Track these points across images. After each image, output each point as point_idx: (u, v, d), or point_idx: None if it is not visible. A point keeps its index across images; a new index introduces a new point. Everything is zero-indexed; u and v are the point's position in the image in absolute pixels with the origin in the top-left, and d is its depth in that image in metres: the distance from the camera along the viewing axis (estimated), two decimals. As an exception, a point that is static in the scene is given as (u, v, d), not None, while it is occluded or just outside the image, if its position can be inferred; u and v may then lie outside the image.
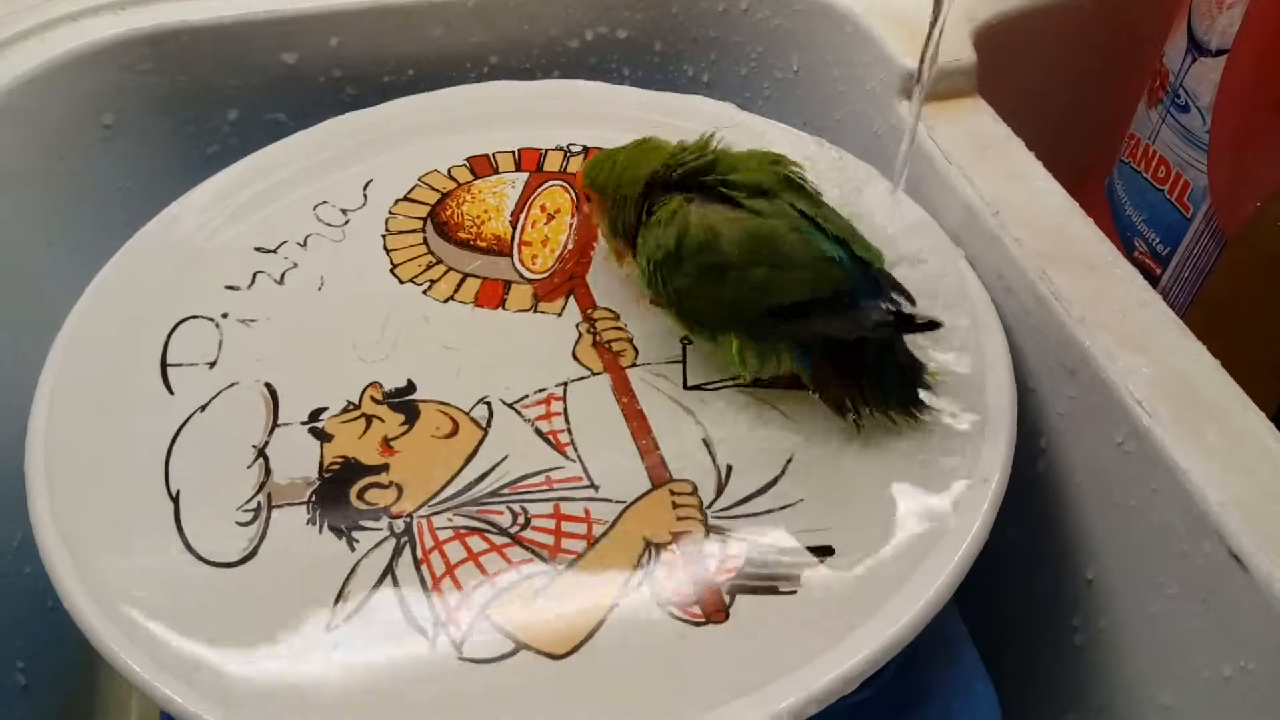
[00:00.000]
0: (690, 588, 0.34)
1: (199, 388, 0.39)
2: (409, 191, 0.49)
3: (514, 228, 0.47)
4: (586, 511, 0.36)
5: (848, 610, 0.33)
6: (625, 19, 0.59)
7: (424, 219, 0.47)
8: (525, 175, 0.50)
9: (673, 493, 0.36)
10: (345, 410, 0.39)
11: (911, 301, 0.38)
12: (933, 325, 0.37)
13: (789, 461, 0.37)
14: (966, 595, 0.41)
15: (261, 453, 0.37)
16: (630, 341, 0.42)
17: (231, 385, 0.40)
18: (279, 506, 0.36)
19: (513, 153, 0.51)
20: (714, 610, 0.33)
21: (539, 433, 0.38)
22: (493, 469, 0.37)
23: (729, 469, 0.37)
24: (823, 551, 0.35)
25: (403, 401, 0.39)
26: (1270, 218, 0.46)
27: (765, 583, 0.34)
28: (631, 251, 0.41)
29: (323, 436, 0.38)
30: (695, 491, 0.36)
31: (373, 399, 0.39)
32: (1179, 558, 0.35)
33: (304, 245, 0.46)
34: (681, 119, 0.50)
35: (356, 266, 0.45)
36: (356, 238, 0.46)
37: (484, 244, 0.46)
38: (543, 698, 0.31)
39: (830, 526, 0.35)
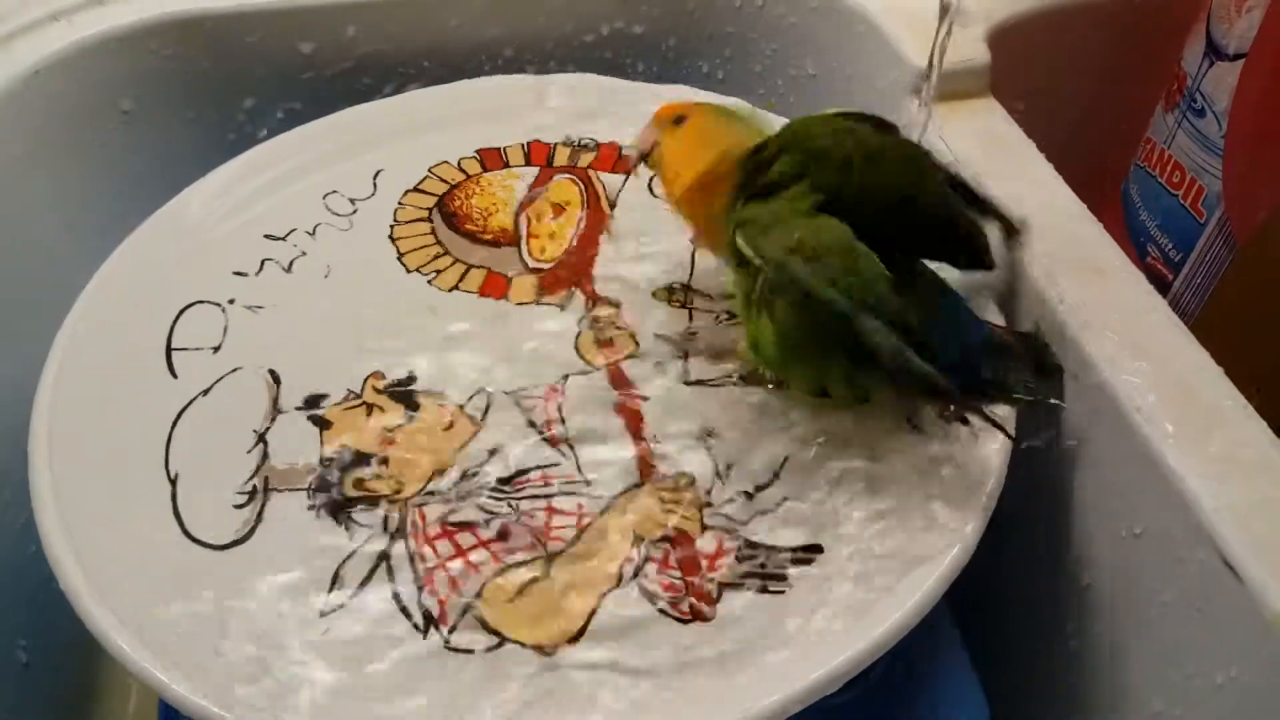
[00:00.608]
0: (680, 584, 0.34)
1: (203, 372, 0.40)
2: (419, 182, 0.49)
3: (521, 220, 0.47)
4: (579, 505, 0.36)
5: (835, 610, 0.33)
6: (641, 14, 0.59)
7: (432, 209, 0.48)
8: (535, 169, 0.50)
9: (665, 489, 0.37)
10: (346, 398, 0.39)
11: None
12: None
13: (784, 461, 0.37)
14: (963, 600, 0.41)
15: (262, 438, 0.38)
16: (632, 336, 0.42)
17: (235, 370, 0.40)
18: (277, 491, 0.36)
19: (523, 146, 0.51)
20: (703, 606, 0.33)
21: (536, 426, 0.39)
22: (488, 460, 0.37)
23: (724, 466, 0.37)
24: (812, 550, 0.35)
25: (403, 391, 0.40)
26: (1282, 224, 0.45)
27: (754, 580, 0.34)
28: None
29: (322, 424, 0.38)
30: (688, 488, 0.37)
31: (374, 388, 0.40)
32: (1174, 564, 0.35)
33: (313, 234, 0.46)
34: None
35: (364, 256, 0.45)
36: (365, 227, 0.47)
37: (491, 236, 0.46)
38: (530, 690, 0.31)
39: (821, 526, 0.35)
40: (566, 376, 0.40)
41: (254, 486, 0.36)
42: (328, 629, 0.32)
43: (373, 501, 0.36)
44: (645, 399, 0.40)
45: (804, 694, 0.31)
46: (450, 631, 0.33)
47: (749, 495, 0.36)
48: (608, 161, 0.50)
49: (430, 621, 0.33)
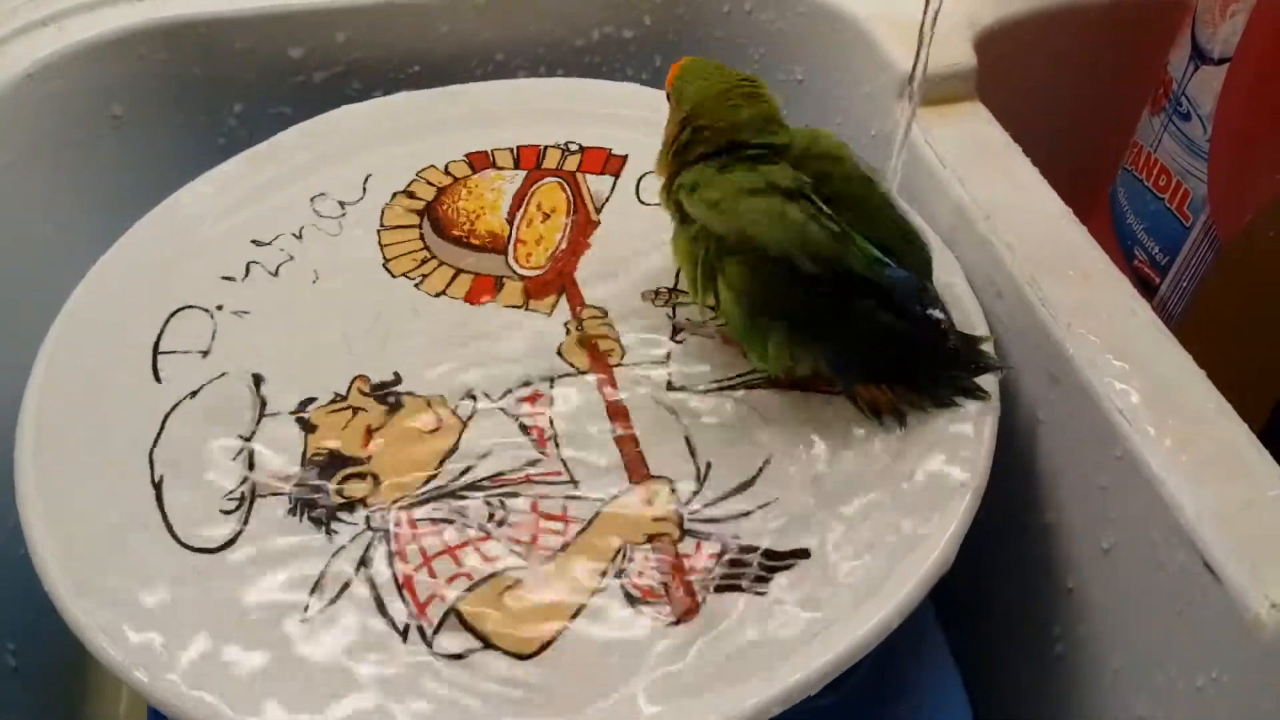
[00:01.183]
0: (663, 586, 0.34)
1: (190, 376, 0.40)
2: (407, 186, 0.49)
3: (509, 225, 0.47)
4: (564, 508, 0.36)
5: (818, 612, 0.33)
6: (630, 19, 0.59)
7: (420, 214, 0.48)
8: (523, 173, 0.50)
9: (650, 491, 0.37)
10: (332, 402, 0.39)
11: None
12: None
13: (766, 462, 0.37)
14: (948, 603, 0.41)
15: (247, 442, 0.38)
16: (617, 341, 0.42)
17: (222, 375, 0.40)
18: (261, 495, 0.36)
19: (511, 150, 0.51)
20: (686, 609, 0.33)
21: (522, 429, 0.39)
22: (474, 463, 0.38)
23: (708, 468, 0.37)
24: (796, 553, 0.35)
25: (388, 394, 0.40)
26: (1265, 228, 0.46)
27: (737, 583, 0.34)
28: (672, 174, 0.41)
29: (308, 427, 0.39)
30: (672, 490, 0.37)
31: (360, 391, 0.40)
32: (1156, 568, 0.35)
33: (299, 237, 0.46)
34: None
35: (351, 259, 0.45)
36: (352, 231, 0.47)
37: (478, 240, 0.47)
38: (511, 693, 0.31)
39: (805, 528, 0.36)
40: (553, 380, 0.40)
41: (239, 491, 0.36)
42: (310, 633, 0.33)
43: (357, 504, 0.36)
44: (630, 402, 0.40)
45: (784, 696, 0.31)
46: (433, 634, 0.33)
47: (732, 497, 0.36)
48: (595, 165, 0.50)
49: (411, 624, 0.33)
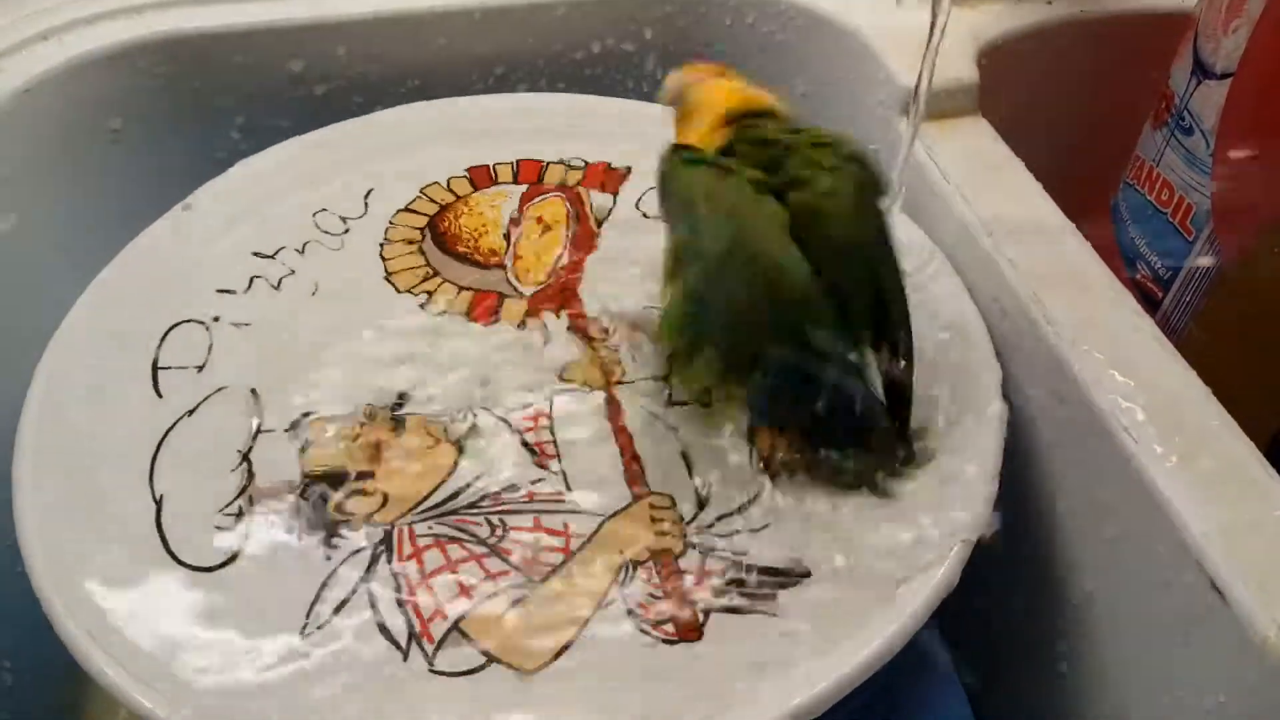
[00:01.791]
0: (665, 605, 0.34)
1: (188, 391, 0.40)
2: (410, 202, 0.49)
3: (509, 241, 0.47)
4: (566, 525, 0.36)
5: (821, 633, 0.33)
6: (631, 32, 0.59)
7: (422, 230, 0.47)
8: (524, 188, 0.50)
9: (652, 508, 0.36)
10: (332, 418, 0.39)
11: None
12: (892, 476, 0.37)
13: (770, 481, 0.37)
14: (952, 621, 0.40)
15: (246, 457, 0.38)
16: (618, 356, 0.42)
17: (220, 389, 0.40)
18: (261, 511, 0.36)
19: (512, 165, 0.51)
20: (688, 629, 0.33)
21: (524, 445, 0.38)
22: (475, 480, 0.37)
23: (709, 485, 0.37)
24: (798, 573, 0.35)
25: (390, 410, 0.39)
26: (1270, 243, 0.45)
27: (740, 602, 0.34)
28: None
29: (308, 442, 0.38)
30: (674, 507, 0.36)
31: (361, 408, 0.40)
32: (1162, 587, 0.35)
33: (302, 252, 0.46)
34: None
35: (353, 275, 0.45)
36: (354, 246, 0.46)
37: (480, 256, 0.46)
38: (513, 713, 0.31)
39: (807, 547, 0.35)
40: (553, 397, 0.40)
41: (238, 507, 0.36)
42: (309, 651, 0.32)
43: (357, 521, 0.36)
44: (631, 419, 0.39)
45: (788, 718, 0.31)
46: (435, 651, 0.32)
47: (734, 515, 0.36)
48: (596, 180, 0.50)
49: (413, 642, 0.33)
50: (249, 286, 0.44)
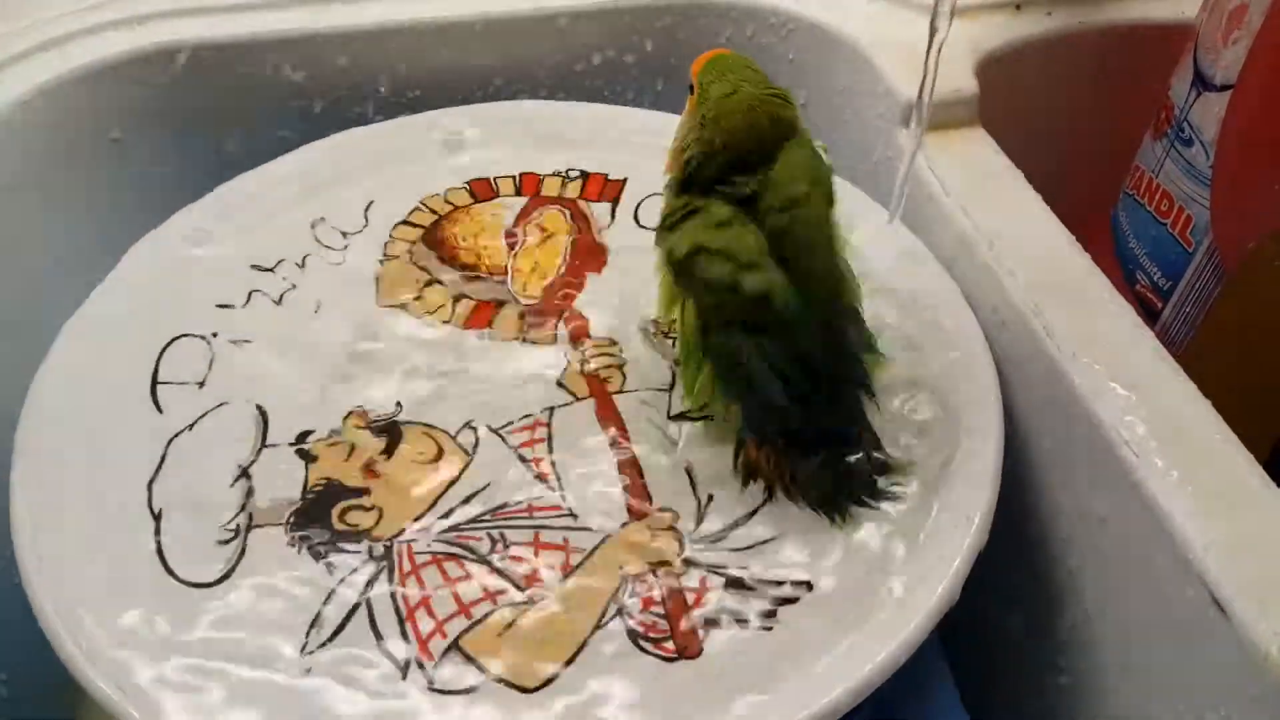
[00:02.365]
0: (665, 621, 0.34)
1: (188, 406, 0.40)
2: (409, 214, 0.49)
3: (509, 252, 0.47)
4: (565, 540, 0.36)
5: (822, 648, 0.33)
6: (631, 43, 0.59)
7: (421, 241, 0.47)
8: (524, 199, 0.50)
9: (652, 523, 0.36)
10: (331, 432, 0.39)
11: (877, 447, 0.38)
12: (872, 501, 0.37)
13: (769, 494, 0.37)
14: (952, 633, 0.40)
15: (245, 473, 0.38)
16: (619, 368, 0.42)
17: (221, 405, 0.40)
18: (260, 527, 0.36)
19: (513, 176, 0.51)
20: (688, 645, 0.33)
21: (522, 459, 0.38)
22: (474, 495, 0.37)
23: (709, 499, 0.37)
24: (800, 587, 0.35)
25: (388, 425, 0.39)
26: (1270, 254, 0.45)
27: (741, 618, 0.34)
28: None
29: (308, 458, 0.38)
30: (674, 522, 0.36)
31: (358, 423, 0.40)
32: (1163, 601, 0.35)
33: (301, 265, 0.46)
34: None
35: (352, 288, 0.45)
36: (354, 259, 0.46)
37: (479, 268, 0.46)
38: (512, 728, 0.31)
39: (808, 561, 0.35)
40: (553, 410, 0.40)
41: (238, 524, 0.36)
42: (309, 668, 0.32)
43: (357, 537, 0.36)
44: (631, 431, 0.39)
45: (789, 735, 0.31)
46: (434, 669, 0.32)
47: (735, 529, 0.36)
48: (595, 191, 0.50)
49: (412, 660, 0.33)
50: (248, 301, 0.44)
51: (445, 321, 0.44)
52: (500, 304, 0.45)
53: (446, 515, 0.37)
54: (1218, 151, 0.48)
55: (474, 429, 0.39)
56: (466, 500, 0.37)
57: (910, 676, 0.34)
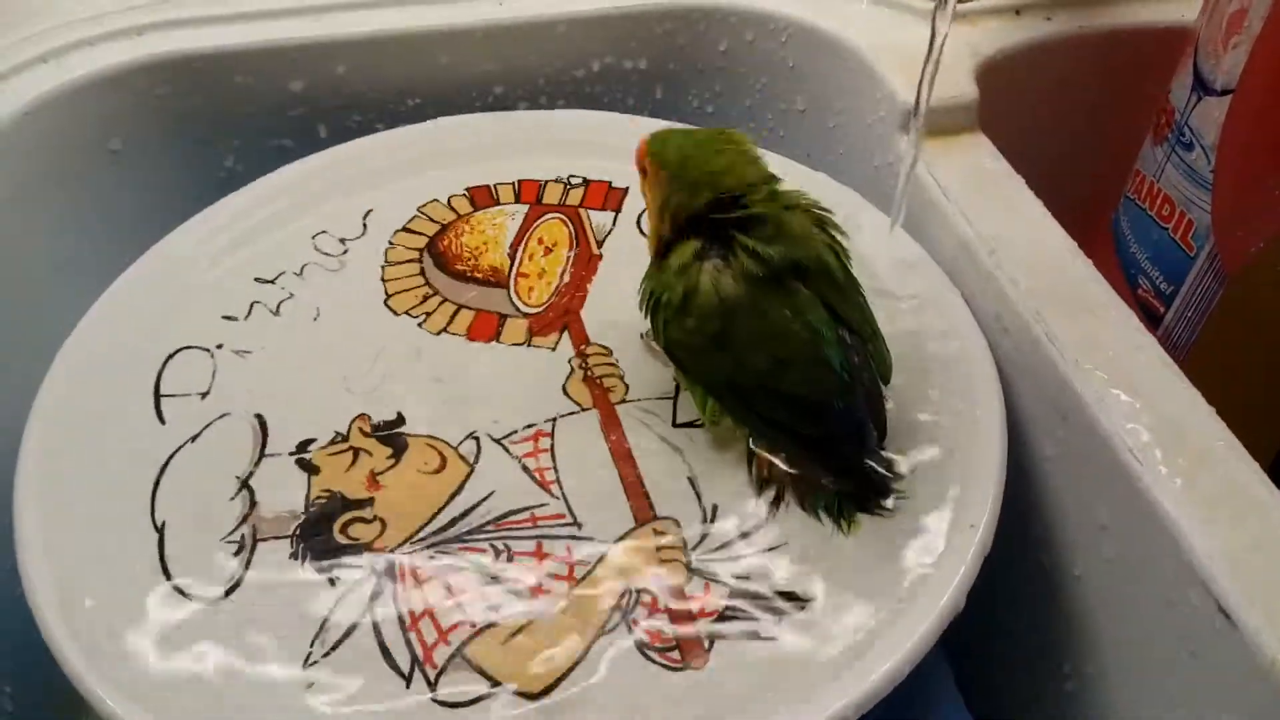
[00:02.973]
0: (669, 631, 0.34)
1: (191, 418, 0.40)
2: (408, 222, 0.49)
3: (511, 260, 0.47)
4: (569, 550, 0.36)
5: (827, 658, 0.33)
6: (631, 50, 0.59)
7: (422, 250, 0.47)
8: (525, 207, 0.50)
9: (656, 532, 0.36)
10: (333, 442, 0.39)
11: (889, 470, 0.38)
12: (881, 508, 0.37)
13: (774, 504, 0.37)
14: (957, 641, 0.40)
15: (247, 485, 0.38)
16: (621, 378, 0.42)
17: (223, 416, 0.40)
18: (263, 539, 0.36)
19: (513, 184, 0.51)
20: (692, 654, 0.33)
21: (525, 469, 0.38)
22: (478, 505, 0.37)
23: (714, 509, 0.37)
24: (804, 598, 0.34)
25: (391, 435, 0.39)
26: (1272, 258, 0.45)
27: (745, 628, 0.34)
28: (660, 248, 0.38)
29: (310, 469, 0.38)
30: (679, 532, 0.36)
31: (361, 432, 0.39)
32: (1167, 607, 0.35)
33: (301, 275, 0.46)
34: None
35: (353, 297, 0.45)
36: (354, 268, 0.46)
37: (480, 276, 0.46)
38: (517, 740, 0.31)
39: (813, 572, 0.35)
40: (556, 419, 0.40)
41: (241, 535, 0.36)
42: (312, 681, 0.32)
43: (360, 548, 0.36)
44: (635, 440, 0.39)
45: (795, 745, 0.31)
46: (438, 679, 0.32)
47: (740, 540, 0.36)
48: (597, 199, 0.50)
49: (416, 670, 0.32)
50: (249, 313, 0.44)
51: (446, 329, 0.44)
52: (502, 312, 0.45)
53: (450, 526, 0.36)
54: (1218, 156, 0.48)
55: (477, 439, 0.39)
56: (469, 510, 0.37)
57: (915, 684, 0.34)
